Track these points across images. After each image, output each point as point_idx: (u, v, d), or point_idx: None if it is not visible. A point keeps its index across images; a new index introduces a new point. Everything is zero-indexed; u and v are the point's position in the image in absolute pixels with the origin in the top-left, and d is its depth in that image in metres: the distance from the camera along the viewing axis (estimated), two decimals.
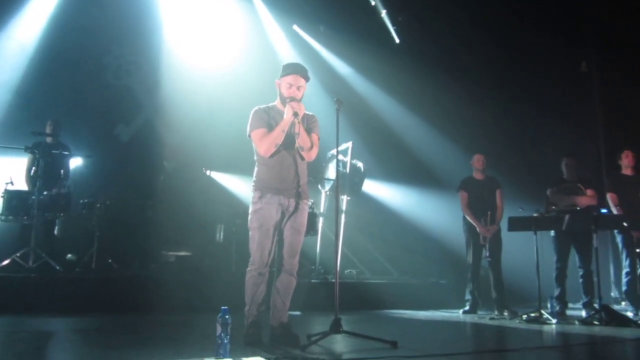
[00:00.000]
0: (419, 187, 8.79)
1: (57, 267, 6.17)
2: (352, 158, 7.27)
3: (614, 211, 6.52)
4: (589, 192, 6.50)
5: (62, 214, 6.62)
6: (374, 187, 8.94)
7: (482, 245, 6.49)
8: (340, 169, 6.99)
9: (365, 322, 5.40)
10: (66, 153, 6.96)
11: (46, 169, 6.49)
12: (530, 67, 9.24)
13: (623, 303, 7.30)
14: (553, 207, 6.44)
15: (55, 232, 6.84)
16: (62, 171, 6.97)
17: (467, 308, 6.50)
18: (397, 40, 9.58)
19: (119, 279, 6.10)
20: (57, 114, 7.26)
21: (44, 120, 7.01)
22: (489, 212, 6.49)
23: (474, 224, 6.54)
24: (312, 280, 6.63)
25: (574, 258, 6.54)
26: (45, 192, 6.44)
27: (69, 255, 7.06)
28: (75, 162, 7.37)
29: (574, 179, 6.60)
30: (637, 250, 6.32)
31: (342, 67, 9.53)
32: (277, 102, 4.11)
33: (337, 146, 4.28)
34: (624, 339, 4.71)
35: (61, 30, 8.04)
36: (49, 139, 6.90)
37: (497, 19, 8.79)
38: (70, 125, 7.44)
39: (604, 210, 6.69)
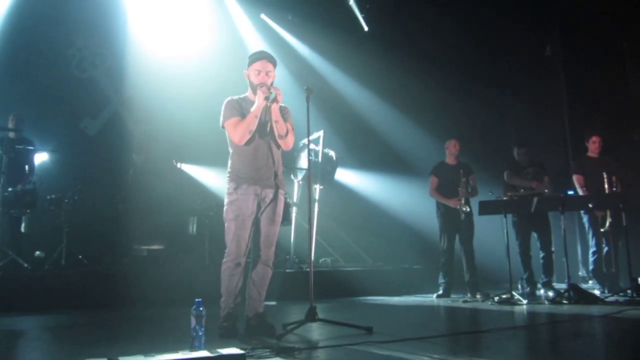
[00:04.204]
0: (390, 174, 8.84)
1: (25, 265, 6.03)
2: (323, 147, 7.27)
3: (580, 192, 6.68)
4: (546, 178, 6.64)
5: (28, 211, 6.47)
6: (346, 176, 8.96)
7: (457, 226, 6.53)
8: (312, 158, 6.99)
9: (340, 310, 5.44)
10: (30, 148, 6.80)
11: (10, 165, 6.33)
12: (496, 53, 9.36)
13: (590, 282, 7.51)
14: (522, 191, 6.53)
15: (22, 229, 6.68)
16: (26, 167, 6.83)
17: (440, 292, 6.58)
18: (366, 28, 9.57)
19: (90, 275, 5.98)
20: (20, 108, 7.07)
21: (6, 114, 6.82)
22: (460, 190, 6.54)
23: (443, 202, 6.61)
24: (287, 270, 6.63)
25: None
26: (10, 189, 6.28)
27: (38, 252, 6.91)
28: (41, 158, 7.22)
29: (527, 164, 6.72)
30: (602, 229, 6.50)
31: (311, 55, 9.46)
32: (248, 93, 4.08)
33: (309, 135, 4.27)
34: (592, 316, 4.85)
35: (22, 21, 7.79)
36: (11, 134, 6.74)
37: (464, 5, 8.86)
38: (34, 119, 7.26)
39: (570, 192, 6.84)
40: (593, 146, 6.83)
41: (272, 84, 3.98)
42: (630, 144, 8.05)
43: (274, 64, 4.04)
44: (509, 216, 6.53)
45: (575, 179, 6.77)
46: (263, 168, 3.92)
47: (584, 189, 6.65)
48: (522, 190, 6.54)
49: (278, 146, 4.02)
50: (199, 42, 8.55)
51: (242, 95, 4.08)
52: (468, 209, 6.46)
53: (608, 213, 6.44)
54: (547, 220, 6.64)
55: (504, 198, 6.31)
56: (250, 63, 4.03)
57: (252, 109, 3.87)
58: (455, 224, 6.59)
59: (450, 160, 6.87)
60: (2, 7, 7.78)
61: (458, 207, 6.47)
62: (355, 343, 3.47)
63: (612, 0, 8.19)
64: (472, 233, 6.64)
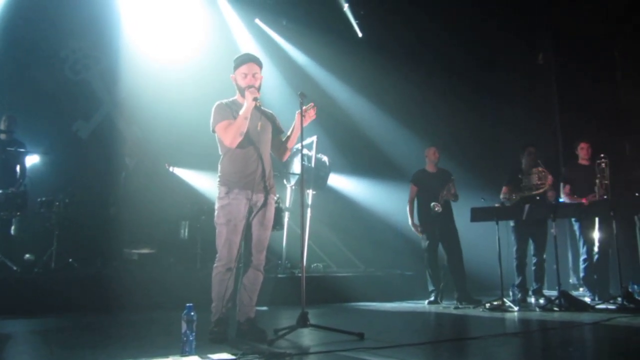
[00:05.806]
0: (383, 180, 8.85)
1: (15, 268, 5.98)
2: (317, 152, 7.27)
3: (565, 201, 6.72)
4: (549, 177, 6.58)
5: (18, 213, 6.40)
6: (339, 181, 8.96)
7: (436, 229, 6.54)
8: (305, 163, 6.98)
9: (332, 315, 5.42)
10: (22, 150, 6.74)
11: (1, 167, 6.28)
12: (489, 60, 9.42)
13: (581, 289, 7.53)
14: (513, 197, 6.51)
15: (12, 231, 6.62)
16: (18, 169, 6.76)
17: (432, 298, 6.58)
18: (360, 34, 9.60)
19: (80, 279, 5.94)
20: (12, 110, 7.02)
21: None
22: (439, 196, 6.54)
23: (409, 217, 6.66)
24: (279, 275, 6.62)
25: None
26: (0, 191, 6.23)
27: (27, 255, 6.84)
28: (32, 160, 7.15)
29: (533, 165, 6.72)
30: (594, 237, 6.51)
31: (305, 61, 9.47)
32: (237, 96, 4.08)
33: (302, 140, 4.27)
34: (582, 323, 4.86)
35: (15, 23, 7.75)
36: (3, 136, 6.69)
37: (457, 13, 8.92)
38: (26, 121, 7.20)
39: (562, 199, 6.88)
40: (582, 153, 6.88)
41: (260, 85, 3.99)
42: (621, 151, 8.12)
43: (260, 66, 4.05)
44: (509, 221, 6.57)
45: (562, 187, 6.80)
46: (254, 173, 3.91)
47: (574, 196, 6.68)
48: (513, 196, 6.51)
49: (268, 151, 4.03)
50: (192, 46, 8.54)
51: (230, 99, 4.08)
52: (439, 209, 6.43)
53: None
54: (545, 227, 6.58)
55: (496, 205, 6.31)
56: (236, 67, 4.03)
57: (242, 111, 3.85)
58: (434, 227, 6.59)
59: (429, 167, 6.91)
60: None
61: (431, 205, 6.44)
62: (347, 349, 3.46)
63: (603, 9, 8.27)
64: (455, 237, 6.64)
